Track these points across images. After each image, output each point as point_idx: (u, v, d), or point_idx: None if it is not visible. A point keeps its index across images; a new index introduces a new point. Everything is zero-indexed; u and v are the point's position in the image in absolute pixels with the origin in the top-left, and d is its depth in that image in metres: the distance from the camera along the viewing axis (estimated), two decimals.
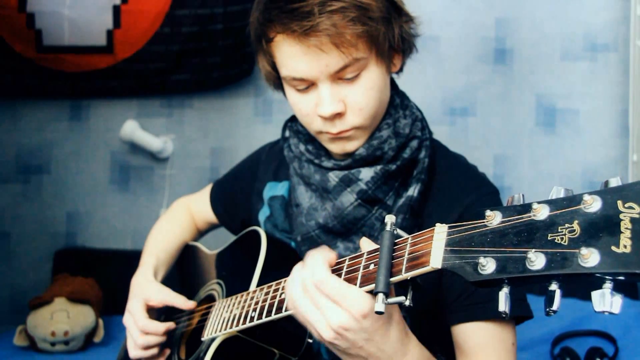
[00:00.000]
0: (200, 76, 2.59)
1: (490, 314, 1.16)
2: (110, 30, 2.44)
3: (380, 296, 0.85)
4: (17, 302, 2.66)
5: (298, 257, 1.33)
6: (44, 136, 2.67)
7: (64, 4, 2.39)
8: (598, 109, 2.54)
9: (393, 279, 0.87)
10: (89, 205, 2.72)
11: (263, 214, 1.45)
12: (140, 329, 1.33)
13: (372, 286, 0.89)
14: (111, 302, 2.42)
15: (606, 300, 0.64)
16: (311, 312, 0.94)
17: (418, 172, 1.27)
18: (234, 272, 1.40)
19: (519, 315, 1.20)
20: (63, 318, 2.25)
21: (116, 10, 2.42)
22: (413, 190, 1.25)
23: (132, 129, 2.62)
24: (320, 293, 0.93)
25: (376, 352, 0.94)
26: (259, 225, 1.44)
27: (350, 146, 1.25)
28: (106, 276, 2.49)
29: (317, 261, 0.96)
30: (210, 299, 1.42)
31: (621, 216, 0.64)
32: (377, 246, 0.95)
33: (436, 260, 0.81)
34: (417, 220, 1.25)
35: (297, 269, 1.00)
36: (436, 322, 1.22)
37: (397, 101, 1.32)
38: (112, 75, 2.52)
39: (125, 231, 2.72)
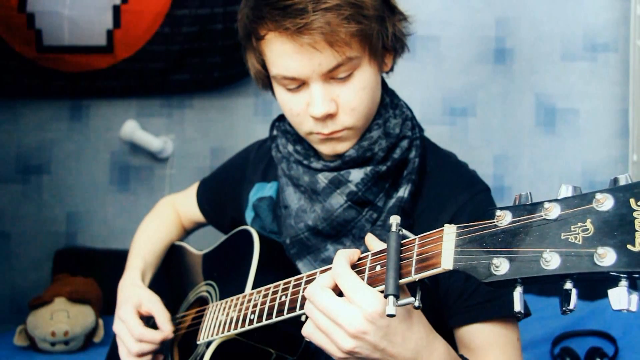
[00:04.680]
0: (200, 76, 2.58)
1: (491, 313, 1.16)
2: (110, 30, 2.44)
3: (391, 299, 0.84)
4: (17, 302, 2.65)
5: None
6: (44, 136, 2.66)
7: (64, 4, 2.39)
8: (598, 109, 2.55)
9: (402, 281, 0.86)
10: (89, 205, 2.71)
11: (249, 216, 1.43)
12: (136, 338, 1.30)
13: (380, 288, 0.88)
14: (111, 302, 2.41)
15: (623, 299, 0.64)
16: (325, 323, 0.90)
17: (408, 173, 1.26)
18: (227, 274, 1.38)
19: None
20: (63, 318, 2.25)
21: (116, 10, 2.42)
22: (403, 191, 1.24)
23: (132, 129, 2.61)
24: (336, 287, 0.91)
25: (401, 352, 0.90)
26: (247, 225, 1.41)
27: (340, 147, 1.23)
28: (106, 276, 2.46)
29: (339, 257, 0.94)
30: (202, 301, 1.40)
31: (634, 214, 0.65)
32: (383, 246, 0.94)
33: (447, 261, 0.80)
34: (407, 220, 1.24)
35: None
36: (435, 323, 1.22)
37: (387, 100, 1.30)
38: (112, 75, 2.51)
39: (125, 231, 2.70)
